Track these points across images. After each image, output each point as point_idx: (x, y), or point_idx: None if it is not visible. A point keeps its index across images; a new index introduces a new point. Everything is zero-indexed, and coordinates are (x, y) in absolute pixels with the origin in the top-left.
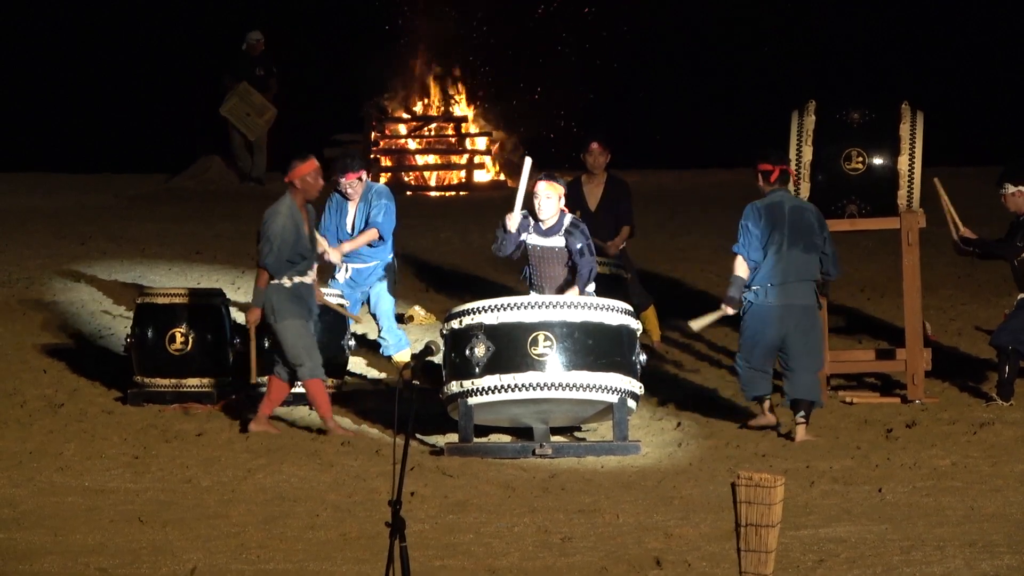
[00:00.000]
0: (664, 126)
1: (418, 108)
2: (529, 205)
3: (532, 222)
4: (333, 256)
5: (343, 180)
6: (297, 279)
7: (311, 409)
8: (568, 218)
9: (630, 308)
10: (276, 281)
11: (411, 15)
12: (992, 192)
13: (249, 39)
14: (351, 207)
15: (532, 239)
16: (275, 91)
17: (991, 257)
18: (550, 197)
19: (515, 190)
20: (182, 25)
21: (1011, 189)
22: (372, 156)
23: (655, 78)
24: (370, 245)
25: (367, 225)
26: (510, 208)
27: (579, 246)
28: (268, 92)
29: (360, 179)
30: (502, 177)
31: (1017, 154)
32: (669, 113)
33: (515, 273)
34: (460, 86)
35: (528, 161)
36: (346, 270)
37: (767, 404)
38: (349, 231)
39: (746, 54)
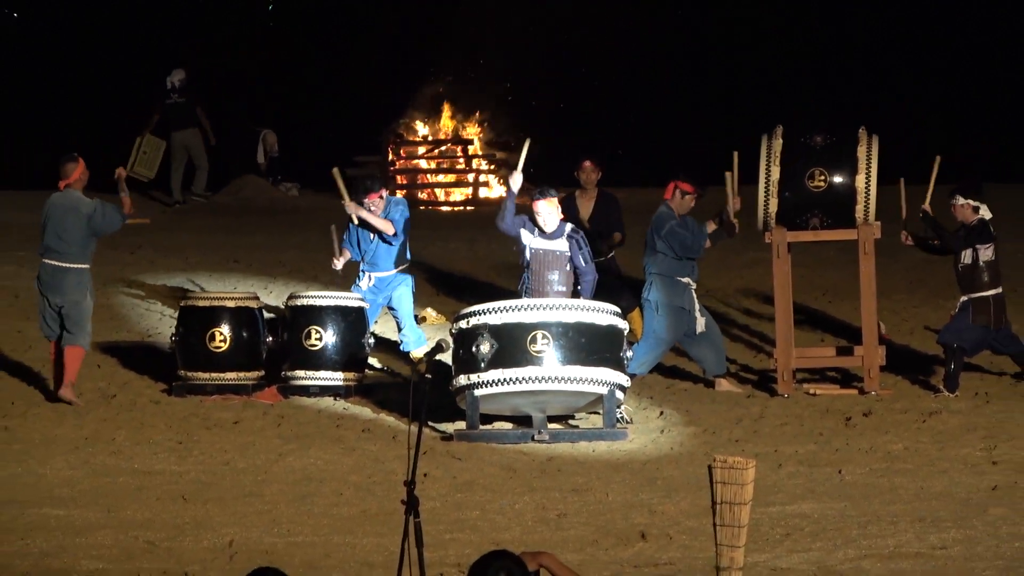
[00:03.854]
0: (650, 148)
1: (430, 133)
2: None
3: (536, 228)
4: (350, 208)
5: (366, 200)
6: None
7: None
8: (568, 225)
9: (618, 310)
10: None
11: (426, 49)
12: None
13: (179, 77)
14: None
15: (535, 242)
16: (205, 122)
17: (942, 244)
18: (550, 212)
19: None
20: (217, 57)
21: (960, 201)
22: (389, 175)
23: (643, 107)
24: (382, 238)
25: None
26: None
27: (580, 254)
28: (198, 124)
29: (381, 197)
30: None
31: (971, 172)
32: (655, 137)
33: (517, 279)
34: (469, 114)
35: (528, 141)
36: (369, 279)
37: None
38: (371, 238)
39: (720, 87)
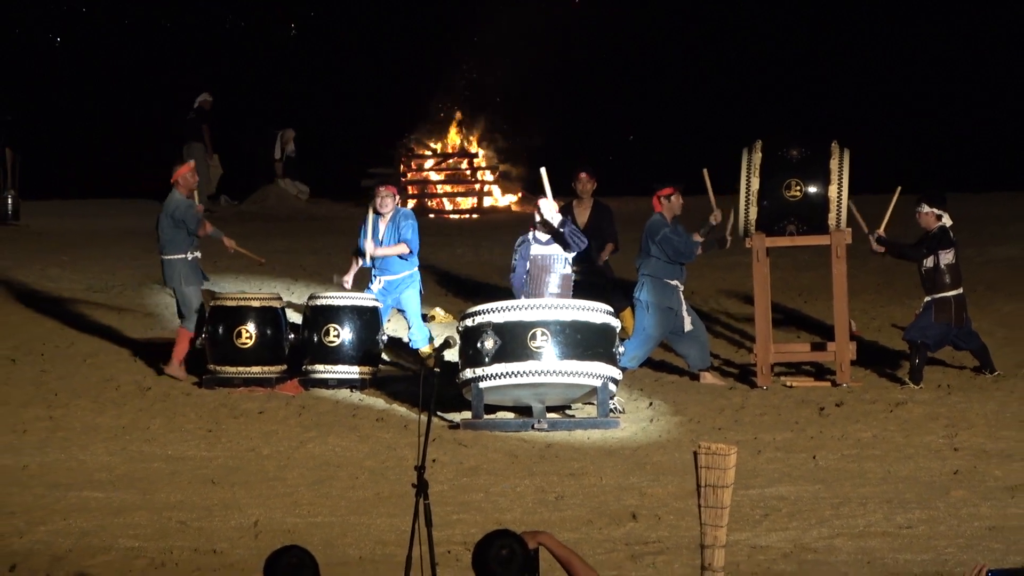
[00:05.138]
0: (641, 160)
1: (438, 147)
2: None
3: (532, 236)
4: (369, 247)
5: (382, 189)
6: None
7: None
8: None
9: (611, 309)
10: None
11: (435, 73)
12: (908, 214)
13: (202, 99)
14: (381, 226)
15: (535, 249)
16: (210, 144)
17: (901, 256)
18: (551, 207)
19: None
20: (243, 80)
21: (925, 209)
22: (401, 185)
23: (634, 123)
24: (401, 257)
25: (398, 241)
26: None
27: (566, 227)
28: (206, 143)
29: (394, 194)
30: (506, 202)
31: (934, 183)
32: (646, 149)
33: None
34: (474, 130)
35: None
36: (380, 282)
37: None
38: (380, 243)
39: (706, 102)
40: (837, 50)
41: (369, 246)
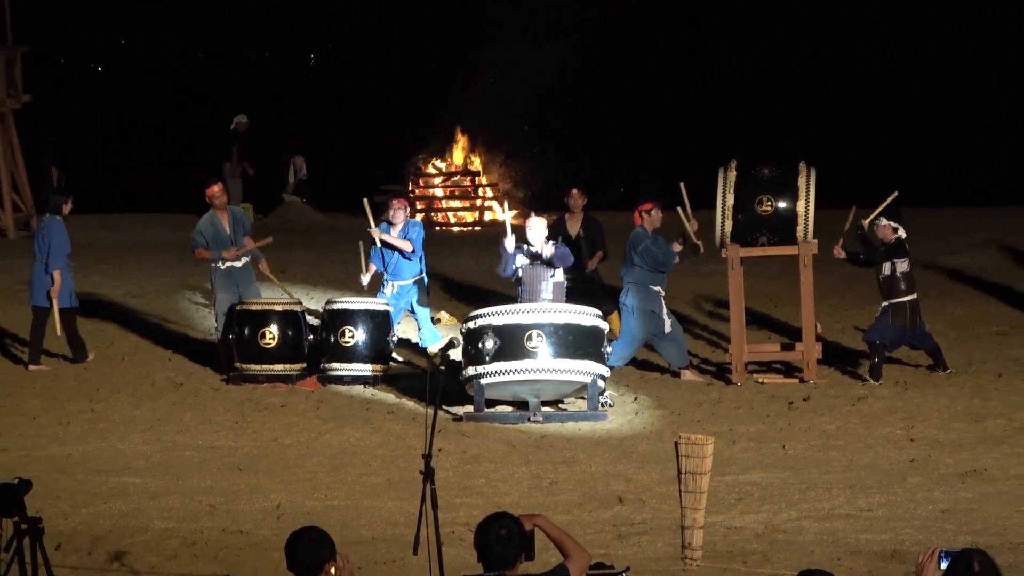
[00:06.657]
0: (628, 177)
1: (444, 165)
2: (523, 238)
3: (524, 249)
4: (375, 233)
5: (394, 202)
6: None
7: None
8: (550, 244)
9: (600, 312)
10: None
11: (442, 95)
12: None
13: (238, 120)
14: (393, 234)
15: (524, 260)
16: (245, 167)
17: (867, 257)
18: (540, 227)
19: (504, 223)
20: (267, 104)
21: (883, 222)
22: (410, 201)
23: (621, 145)
24: (405, 258)
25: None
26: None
27: (557, 246)
28: (240, 164)
29: (405, 207)
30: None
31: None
32: (633, 168)
33: (516, 289)
34: (476, 150)
35: (506, 207)
36: (392, 287)
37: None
38: (392, 252)
39: (687, 125)
40: (831, 60)
41: (375, 232)
